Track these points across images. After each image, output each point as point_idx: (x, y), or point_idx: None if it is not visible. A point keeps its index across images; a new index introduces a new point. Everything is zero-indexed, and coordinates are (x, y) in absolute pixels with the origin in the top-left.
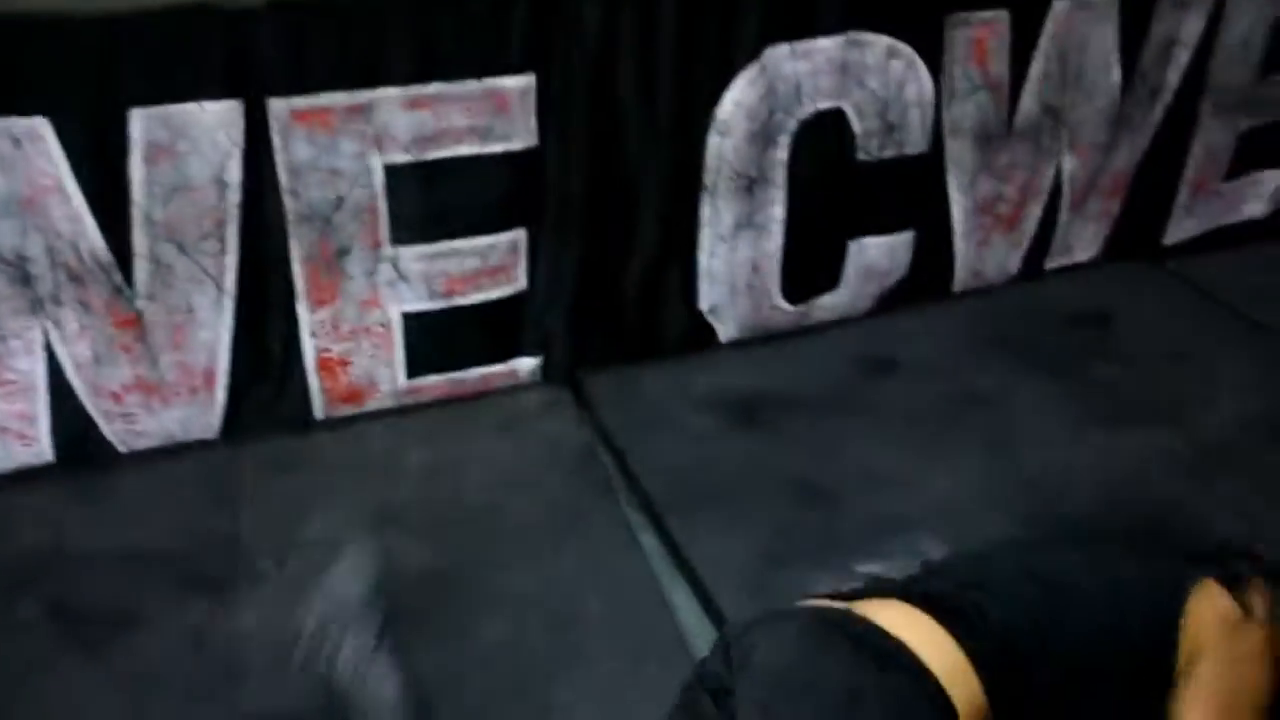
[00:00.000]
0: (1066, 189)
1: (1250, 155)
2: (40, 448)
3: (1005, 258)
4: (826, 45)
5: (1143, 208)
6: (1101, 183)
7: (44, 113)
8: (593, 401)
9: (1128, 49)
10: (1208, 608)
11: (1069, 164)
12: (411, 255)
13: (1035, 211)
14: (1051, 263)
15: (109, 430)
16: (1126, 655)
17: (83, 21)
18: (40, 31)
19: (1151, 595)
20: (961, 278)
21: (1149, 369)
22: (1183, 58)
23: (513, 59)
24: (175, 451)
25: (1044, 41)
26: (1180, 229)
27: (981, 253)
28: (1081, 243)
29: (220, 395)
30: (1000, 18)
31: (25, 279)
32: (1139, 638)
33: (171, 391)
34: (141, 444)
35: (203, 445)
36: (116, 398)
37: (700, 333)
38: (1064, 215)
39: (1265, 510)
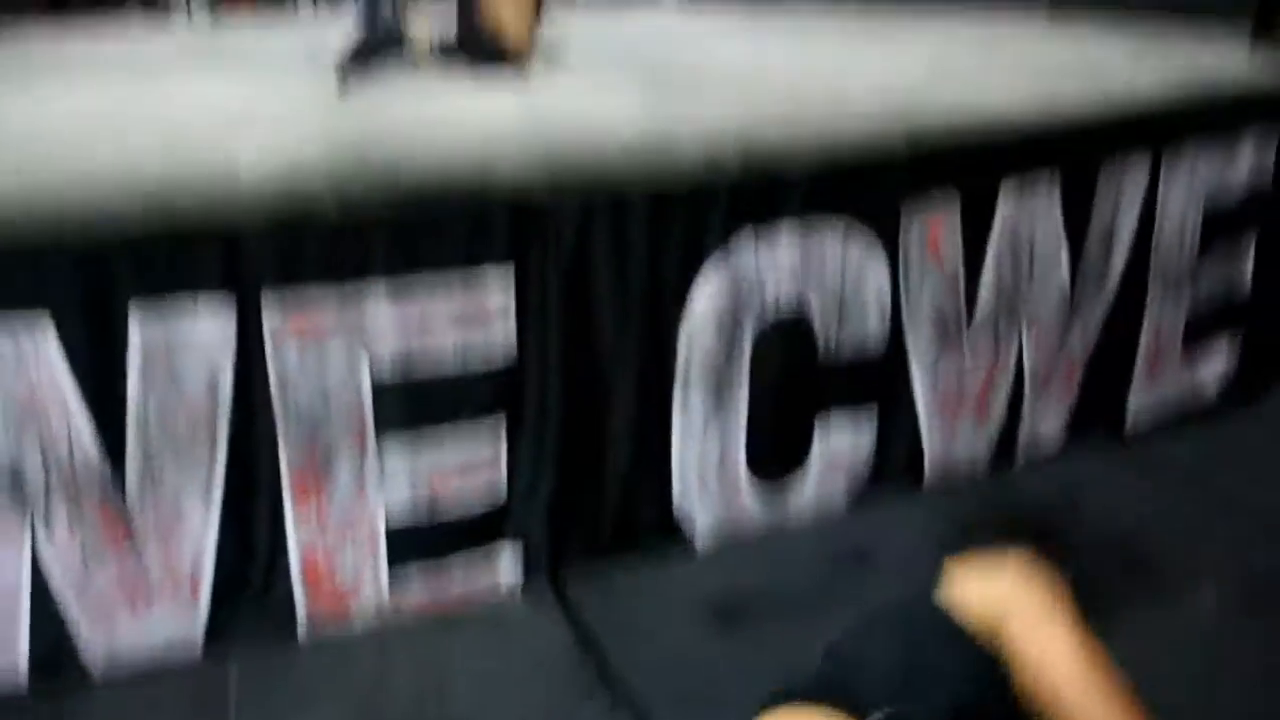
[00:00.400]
0: (1028, 374)
1: (1201, 331)
2: (15, 665)
3: (974, 445)
4: (788, 241)
5: (1102, 389)
6: (1060, 366)
7: (48, 322)
8: (575, 604)
9: (1073, 237)
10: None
11: (1028, 350)
12: (395, 456)
13: (1000, 398)
14: (1019, 447)
15: (89, 638)
16: None
17: (84, 227)
18: (43, 235)
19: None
20: (932, 467)
21: (1119, 554)
22: (1125, 242)
23: (493, 266)
24: (156, 667)
25: (994, 231)
26: (1141, 407)
27: (949, 442)
28: (1048, 426)
29: (204, 599)
30: (951, 208)
31: (16, 482)
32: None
33: (156, 595)
34: (122, 654)
35: (185, 656)
36: (100, 601)
37: (676, 528)
38: (1028, 400)
39: None
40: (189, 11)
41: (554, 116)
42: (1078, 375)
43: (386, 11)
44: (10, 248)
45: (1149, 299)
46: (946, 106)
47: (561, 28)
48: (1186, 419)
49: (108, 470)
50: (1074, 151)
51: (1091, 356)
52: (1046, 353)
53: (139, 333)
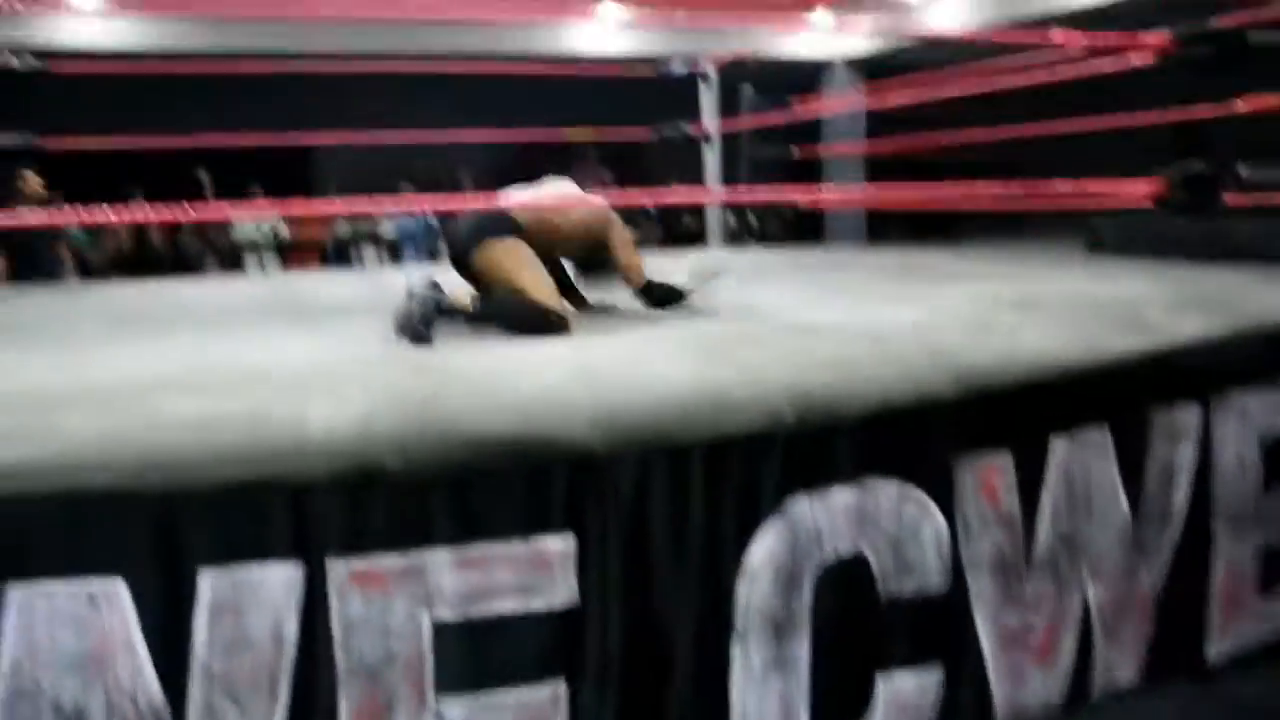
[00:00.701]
0: (1096, 616)
1: (1277, 565)
2: None
3: (1045, 690)
4: (843, 493)
5: (1178, 628)
6: (1130, 607)
7: (120, 573)
8: None
9: (1130, 479)
10: None
11: (1093, 592)
12: (455, 708)
13: (1068, 641)
14: (1094, 690)
15: None
16: None
17: (161, 490)
18: (119, 496)
19: None
20: (1002, 713)
21: None
22: (1184, 483)
23: (553, 521)
24: None
25: (1050, 476)
26: (1220, 645)
27: (1018, 686)
28: (1122, 668)
29: None
30: (1004, 458)
31: None
32: None
33: None
34: None
35: None
36: None
37: None
38: (1098, 642)
39: None
40: (262, 265)
41: (608, 369)
42: (1150, 615)
43: (417, 303)
44: (88, 508)
45: (1217, 536)
46: (994, 358)
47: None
48: (1270, 656)
49: (169, 718)
50: (1123, 399)
51: (1163, 596)
52: (1114, 593)
53: (208, 588)
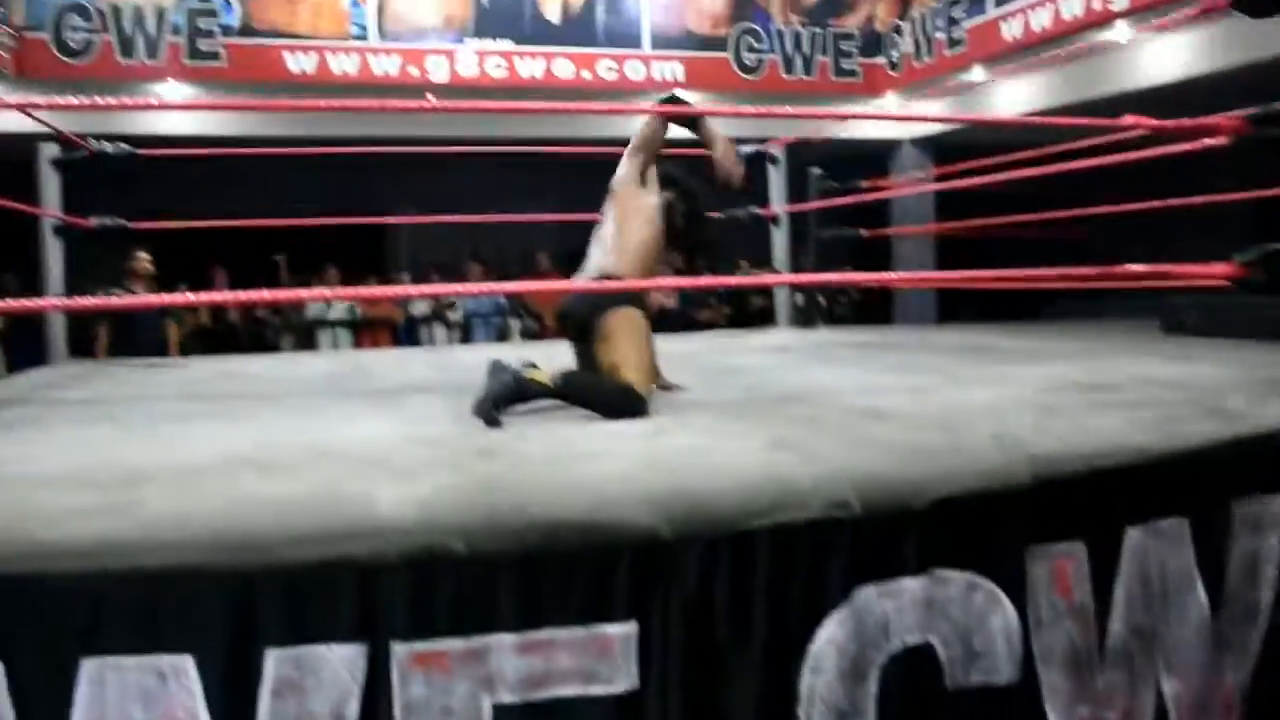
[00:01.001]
0: (1172, 712)
1: None
2: None
3: None
4: (911, 584)
5: None
6: (1214, 704)
7: (190, 650)
8: None
9: (1210, 571)
10: None
11: (1170, 686)
12: None
13: None
14: None
15: None
16: None
17: (234, 570)
18: (194, 578)
19: None
20: None
21: None
22: (1271, 576)
23: (617, 607)
24: None
25: (1124, 568)
26: None
27: None
28: None
29: None
30: (1077, 548)
31: None
32: None
33: None
34: None
35: None
36: None
37: None
38: None
39: None
40: (335, 343)
41: (675, 453)
42: (1236, 713)
43: (498, 380)
44: (162, 587)
45: None
46: (1066, 445)
47: (679, 355)
48: None
49: None
50: (1203, 489)
51: (1251, 693)
52: (1192, 690)
53: (274, 666)
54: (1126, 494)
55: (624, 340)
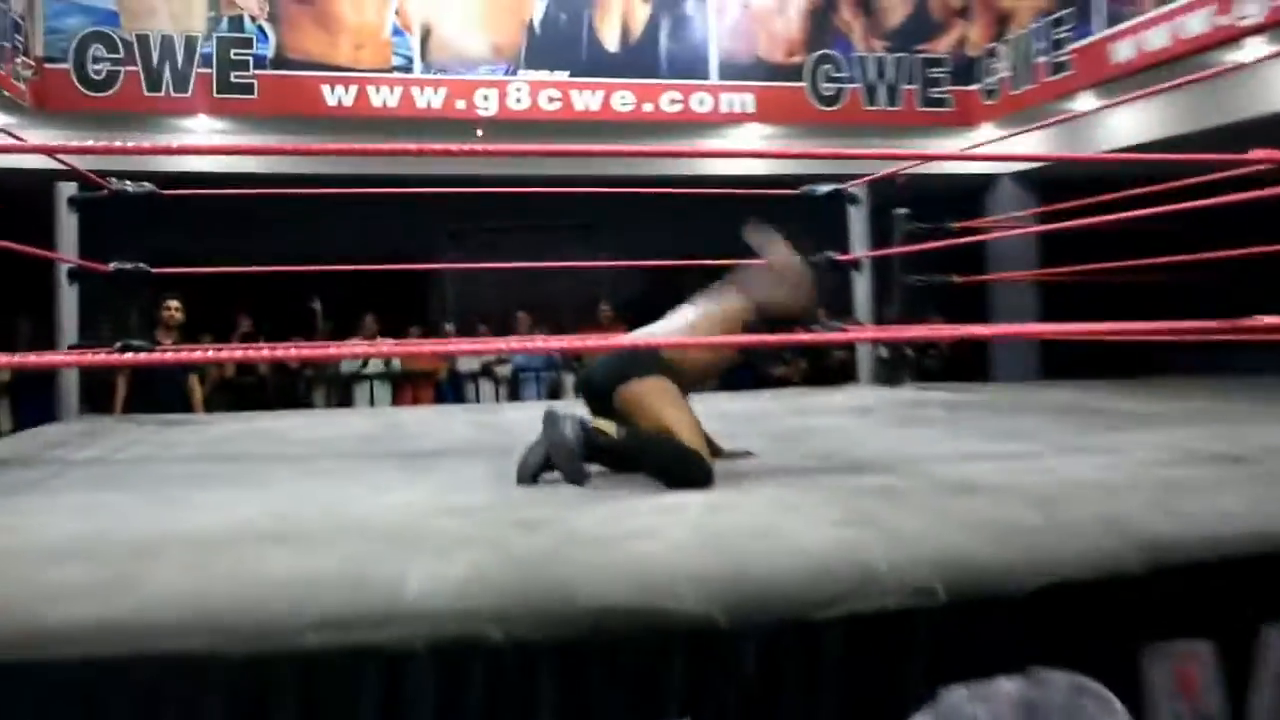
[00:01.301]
0: None
1: None
2: None
3: None
4: (1007, 685)
5: None
6: None
7: None
8: None
9: None
10: None
11: None
12: None
13: None
14: None
15: None
16: None
17: (242, 658)
18: (197, 665)
19: None
20: None
21: None
22: None
23: (669, 703)
24: None
25: (1261, 673)
26: None
27: None
28: None
29: None
30: (1204, 648)
31: None
32: None
33: None
34: None
35: None
36: None
37: None
38: None
39: None
40: (372, 399)
41: (736, 529)
42: None
43: (566, 428)
44: (162, 674)
45: None
46: (1189, 527)
47: (746, 415)
48: None
49: None
50: None
51: None
52: None
53: None
54: (1262, 586)
55: (659, 404)
